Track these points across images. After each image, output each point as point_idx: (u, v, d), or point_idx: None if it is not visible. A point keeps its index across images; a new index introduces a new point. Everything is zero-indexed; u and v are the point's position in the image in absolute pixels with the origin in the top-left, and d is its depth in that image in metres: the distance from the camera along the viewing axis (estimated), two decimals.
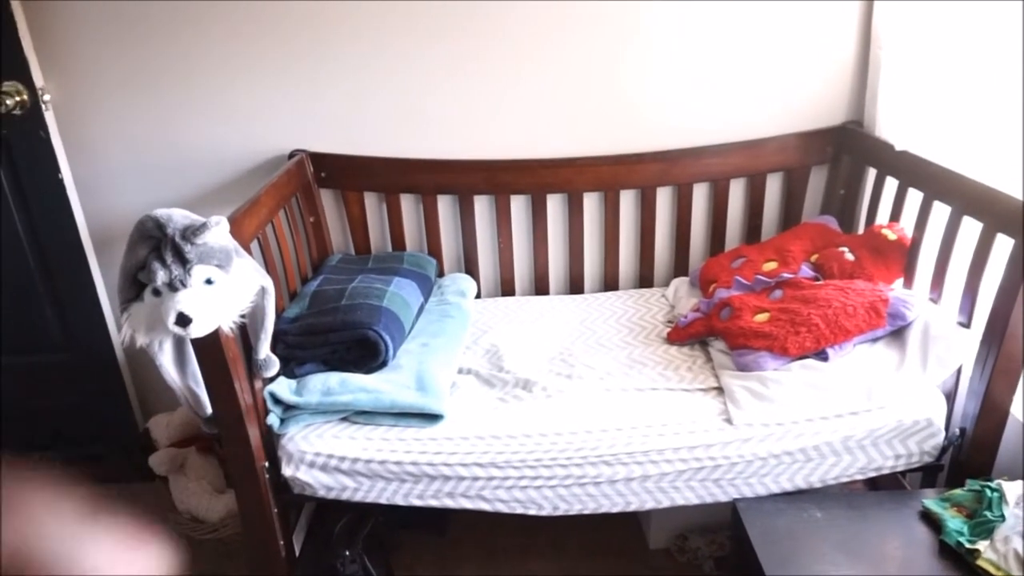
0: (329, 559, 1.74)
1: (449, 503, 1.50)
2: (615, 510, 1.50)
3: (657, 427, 1.48)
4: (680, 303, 1.95)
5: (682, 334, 1.77)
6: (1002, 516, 1.25)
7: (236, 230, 1.41)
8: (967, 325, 1.49)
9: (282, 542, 1.55)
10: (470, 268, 2.14)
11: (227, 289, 1.24)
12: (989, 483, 1.33)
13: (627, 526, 1.98)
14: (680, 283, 2.05)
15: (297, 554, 1.66)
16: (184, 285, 1.18)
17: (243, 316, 1.32)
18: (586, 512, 1.50)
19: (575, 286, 2.16)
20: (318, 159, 2.02)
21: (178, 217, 1.20)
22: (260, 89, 1.97)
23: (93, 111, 1.97)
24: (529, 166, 2.02)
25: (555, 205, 2.09)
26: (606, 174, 2.03)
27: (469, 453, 1.47)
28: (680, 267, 2.14)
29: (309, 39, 1.92)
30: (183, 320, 1.18)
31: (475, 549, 1.96)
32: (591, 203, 2.09)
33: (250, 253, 1.48)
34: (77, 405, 2.21)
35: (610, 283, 2.15)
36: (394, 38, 1.93)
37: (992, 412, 1.42)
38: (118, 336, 1.26)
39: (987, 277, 1.44)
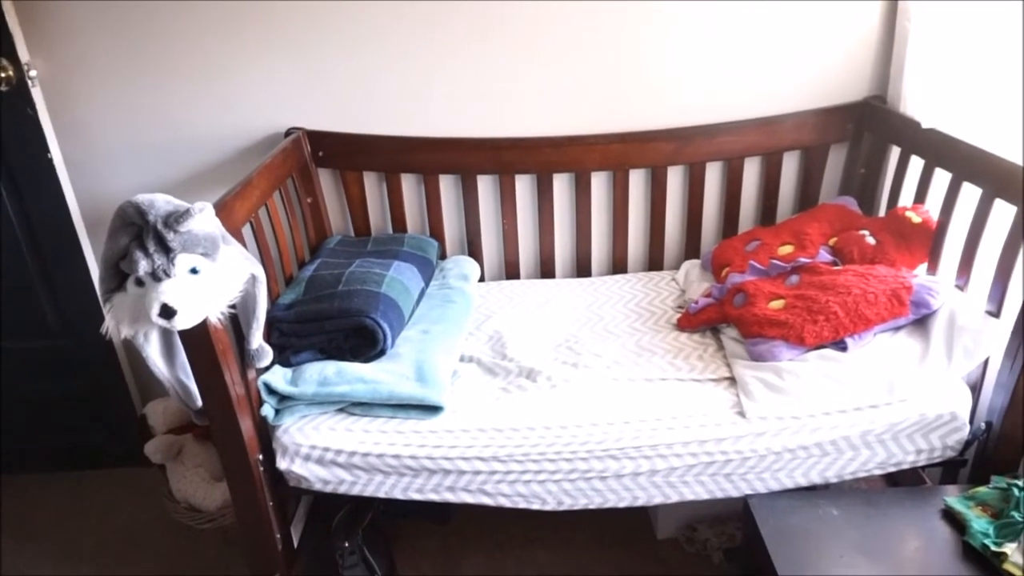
0: (328, 551, 1.70)
1: (450, 497, 1.45)
2: (622, 505, 1.45)
3: (666, 420, 1.42)
4: (691, 287, 1.88)
5: (693, 321, 1.70)
6: None
7: (226, 214, 1.35)
8: (996, 314, 1.41)
9: (279, 535, 1.51)
10: (473, 251, 2.07)
11: (214, 278, 1.18)
12: (1016, 482, 1.26)
13: (634, 515, 1.94)
14: (691, 266, 1.98)
15: (296, 545, 1.62)
16: (168, 275, 1.12)
17: (232, 306, 1.26)
18: (591, 507, 1.45)
19: (582, 269, 2.09)
20: (316, 137, 1.95)
21: (160, 203, 1.13)
22: (256, 66, 1.89)
23: (83, 88, 1.90)
24: (535, 144, 1.94)
25: (562, 185, 2.01)
26: (615, 152, 1.94)
27: (470, 446, 1.41)
28: (691, 249, 2.06)
29: (308, 15, 1.84)
30: (167, 312, 1.12)
31: (480, 538, 1.92)
32: (599, 183, 2.01)
33: (242, 237, 1.42)
34: (75, 390, 2.17)
35: (619, 266, 2.08)
36: (397, 13, 1.84)
37: (1021, 406, 1.34)
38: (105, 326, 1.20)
39: (1019, 264, 1.35)
